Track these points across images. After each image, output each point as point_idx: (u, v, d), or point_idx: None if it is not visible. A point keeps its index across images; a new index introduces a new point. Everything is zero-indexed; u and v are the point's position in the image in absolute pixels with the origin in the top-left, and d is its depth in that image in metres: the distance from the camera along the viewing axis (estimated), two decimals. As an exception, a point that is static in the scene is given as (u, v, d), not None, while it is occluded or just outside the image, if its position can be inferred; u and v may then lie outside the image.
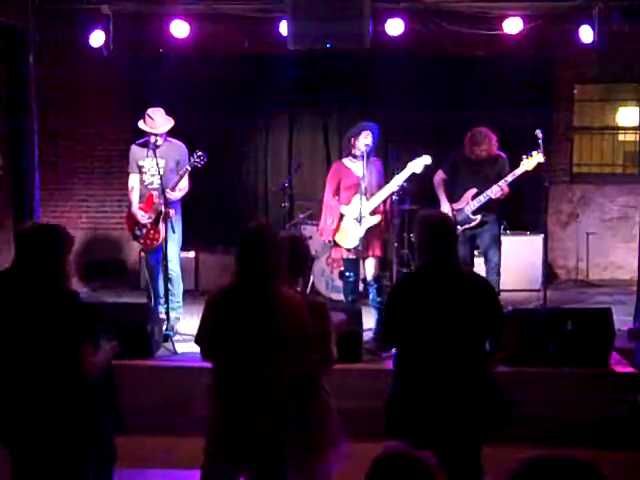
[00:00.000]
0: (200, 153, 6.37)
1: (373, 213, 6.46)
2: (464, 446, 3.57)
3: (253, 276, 3.42)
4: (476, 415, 3.56)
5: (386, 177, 6.63)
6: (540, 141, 6.56)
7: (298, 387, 3.52)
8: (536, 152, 6.53)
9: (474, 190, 6.65)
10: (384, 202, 6.53)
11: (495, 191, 6.57)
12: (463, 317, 3.56)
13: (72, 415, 3.43)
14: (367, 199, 6.40)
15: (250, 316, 3.39)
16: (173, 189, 6.47)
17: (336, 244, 6.62)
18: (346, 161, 6.58)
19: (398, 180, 6.46)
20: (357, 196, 6.39)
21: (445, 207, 6.74)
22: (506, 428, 3.60)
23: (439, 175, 6.85)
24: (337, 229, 6.53)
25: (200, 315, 3.55)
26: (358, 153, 6.41)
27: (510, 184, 6.61)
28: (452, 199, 6.77)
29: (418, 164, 6.45)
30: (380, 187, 6.49)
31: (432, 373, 3.56)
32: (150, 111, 6.51)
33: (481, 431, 3.61)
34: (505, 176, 6.59)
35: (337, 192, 6.61)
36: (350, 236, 6.50)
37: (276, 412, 3.40)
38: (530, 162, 6.53)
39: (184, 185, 6.59)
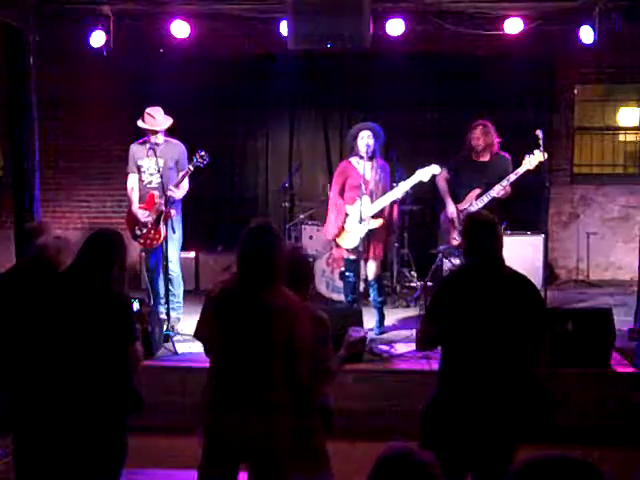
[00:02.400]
0: (203, 153, 6.36)
1: (376, 216, 6.45)
2: (504, 445, 3.54)
3: (254, 276, 3.35)
4: (521, 416, 3.54)
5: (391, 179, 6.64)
6: (540, 141, 6.55)
7: (297, 396, 3.47)
8: (538, 151, 6.51)
9: (478, 190, 6.64)
10: (388, 206, 6.52)
11: (498, 190, 6.55)
12: (510, 317, 3.55)
13: (118, 408, 3.63)
14: (371, 202, 6.39)
15: (247, 318, 3.33)
16: (177, 187, 6.49)
17: (336, 244, 6.62)
18: (354, 160, 6.57)
19: (404, 187, 6.45)
20: (362, 198, 6.38)
21: (450, 207, 6.73)
22: (551, 427, 3.60)
23: (443, 175, 6.81)
24: (342, 228, 6.52)
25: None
26: (362, 154, 6.40)
27: (512, 184, 6.60)
28: (456, 200, 6.75)
29: (426, 173, 6.44)
30: (385, 191, 6.48)
31: (480, 373, 3.53)
32: (149, 110, 6.54)
33: (523, 432, 3.58)
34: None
35: (343, 190, 6.60)
36: (350, 237, 6.50)
37: (271, 416, 3.34)
38: (532, 161, 6.51)
39: (185, 184, 6.61)
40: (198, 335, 3.54)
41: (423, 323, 3.78)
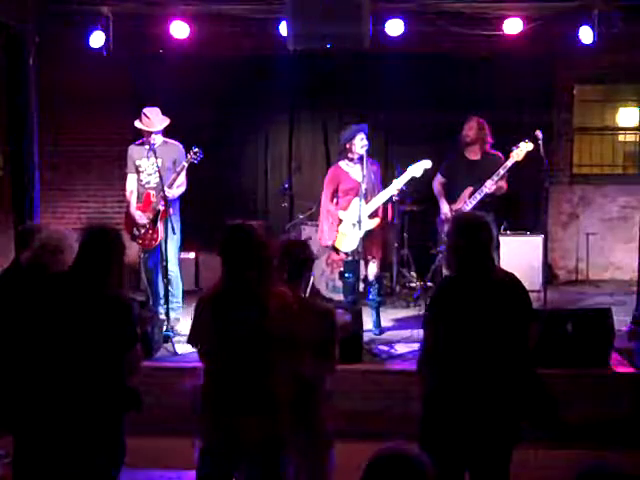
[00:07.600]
0: (196, 149, 6.40)
1: (371, 216, 6.46)
2: (499, 445, 3.53)
3: (242, 276, 3.38)
4: (516, 419, 3.53)
5: (386, 178, 6.64)
6: (540, 142, 6.56)
7: (300, 389, 3.50)
8: (524, 142, 6.53)
9: (470, 189, 6.65)
10: (383, 205, 6.53)
11: (489, 185, 6.53)
12: (504, 321, 3.51)
13: (116, 408, 3.61)
14: (366, 202, 6.40)
15: (240, 317, 3.35)
16: (170, 187, 6.49)
17: (335, 249, 6.62)
18: (343, 164, 6.59)
19: (398, 184, 6.47)
20: (356, 199, 6.40)
21: (444, 208, 6.75)
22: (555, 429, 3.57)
23: (438, 179, 6.86)
24: (338, 233, 6.53)
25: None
26: (356, 157, 6.42)
27: (510, 182, 6.60)
28: (451, 200, 6.77)
29: (418, 168, 6.47)
30: (378, 190, 6.50)
31: (472, 376, 3.49)
32: (146, 110, 6.55)
33: (519, 434, 3.56)
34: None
35: (334, 196, 6.62)
36: (348, 240, 6.51)
37: (269, 414, 3.35)
38: (519, 152, 6.52)
39: (181, 182, 6.61)
40: (191, 340, 3.58)
41: (425, 341, 3.65)
